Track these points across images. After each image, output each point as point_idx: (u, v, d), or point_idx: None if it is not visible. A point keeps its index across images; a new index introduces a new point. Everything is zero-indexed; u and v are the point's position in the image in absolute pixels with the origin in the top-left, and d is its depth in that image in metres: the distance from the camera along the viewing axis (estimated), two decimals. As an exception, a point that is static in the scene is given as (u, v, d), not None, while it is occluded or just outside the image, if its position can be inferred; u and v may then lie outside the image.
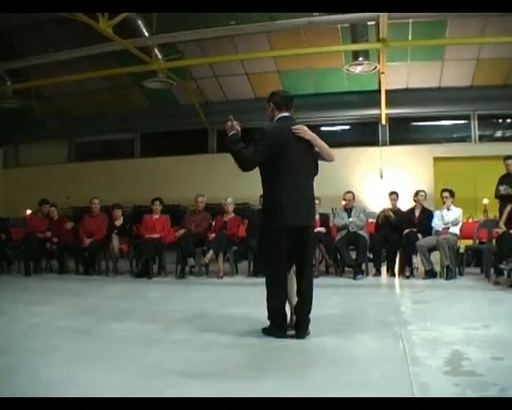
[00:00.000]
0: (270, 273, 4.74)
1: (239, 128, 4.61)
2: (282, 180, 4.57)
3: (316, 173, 4.91)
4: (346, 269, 9.27)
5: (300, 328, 4.53)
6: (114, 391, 3.23)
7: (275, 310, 4.60)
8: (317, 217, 9.56)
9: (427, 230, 8.98)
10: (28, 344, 4.59)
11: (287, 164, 4.56)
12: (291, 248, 4.61)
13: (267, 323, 4.63)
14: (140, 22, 11.36)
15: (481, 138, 14.32)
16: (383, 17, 9.58)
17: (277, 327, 4.59)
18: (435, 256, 8.76)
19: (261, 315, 4.45)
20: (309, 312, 4.60)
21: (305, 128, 4.67)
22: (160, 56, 12.48)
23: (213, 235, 9.48)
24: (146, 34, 11.58)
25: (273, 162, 4.54)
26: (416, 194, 9.47)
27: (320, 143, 4.74)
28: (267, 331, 4.62)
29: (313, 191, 4.84)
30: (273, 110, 4.79)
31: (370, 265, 9.35)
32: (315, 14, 10.79)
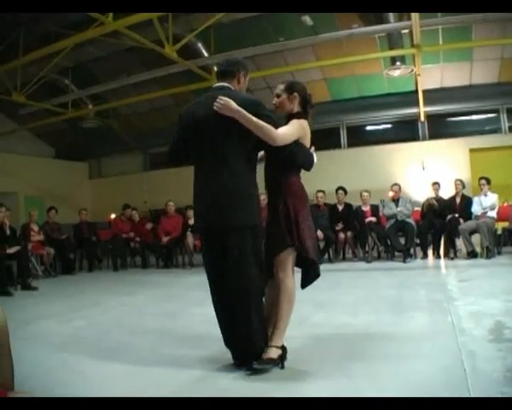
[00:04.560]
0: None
1: None
2: (197, 169, 3.35)
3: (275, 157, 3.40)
4: (397, 254, 9.31)
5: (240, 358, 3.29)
6: (208, 364, 3.40)
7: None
8: (368, 208, 9.65)
9: (468, 215, 8.96)
10: (123, 328, 4.82)
11: (198, 148, 3.28)
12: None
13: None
14: (200, 45, 11.61)
15: (511, 129, 13.97)
16: (416, 25, 9.49)
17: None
18: (476, 238, 8.73)
19: (339, 297, 4.29)
20: (244, 338, 3.24)
21: (226, 100, 3.09)
22: (219, 73, 12.66)
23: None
24: (205, 55, 11.80)
25: (190, 148, 3.39)
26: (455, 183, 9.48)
27: (251, 121, 3.08)
28: None
29: (244, 183, 3.24)
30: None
31: (418, 249, 9.40)
32: (354, 25, 10.80)
